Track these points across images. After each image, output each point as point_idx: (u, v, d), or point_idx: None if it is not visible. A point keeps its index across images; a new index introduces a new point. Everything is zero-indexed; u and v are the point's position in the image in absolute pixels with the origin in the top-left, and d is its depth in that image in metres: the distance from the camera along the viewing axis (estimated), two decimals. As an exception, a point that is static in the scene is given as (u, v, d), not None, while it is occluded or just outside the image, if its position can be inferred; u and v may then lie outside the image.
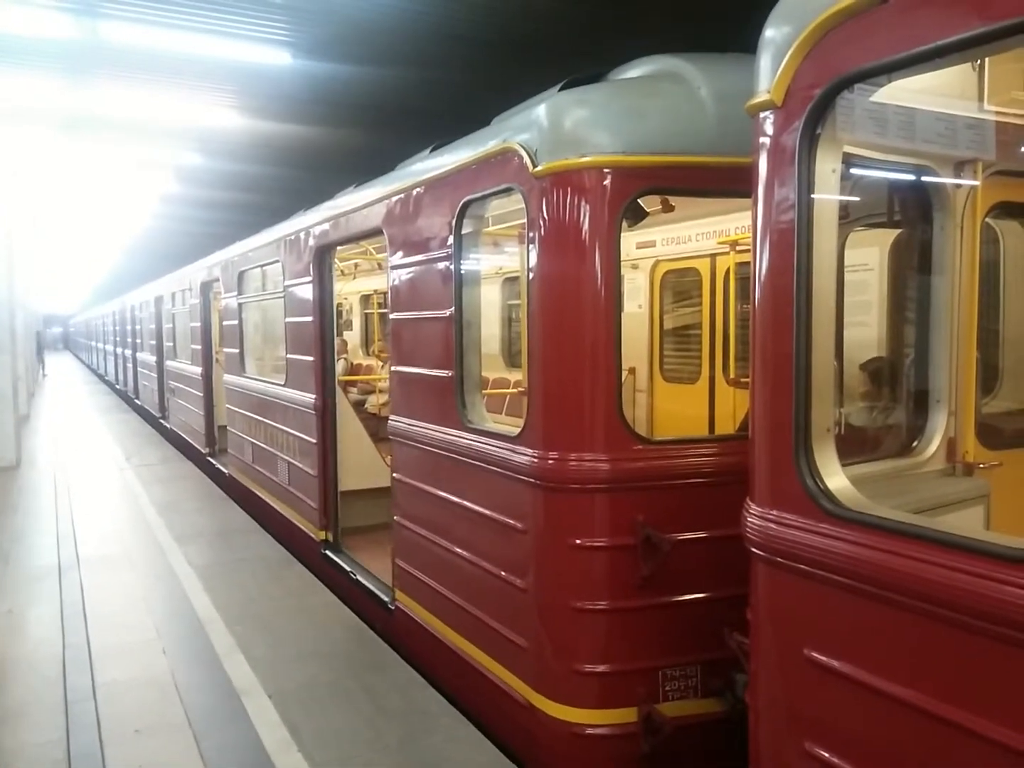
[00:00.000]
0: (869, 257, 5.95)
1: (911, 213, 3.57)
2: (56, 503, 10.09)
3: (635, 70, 4.31)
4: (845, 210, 3.57)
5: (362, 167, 8.72)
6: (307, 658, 5.25)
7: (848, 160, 3.06)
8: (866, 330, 5.58)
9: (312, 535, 7.57)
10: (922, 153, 3.29)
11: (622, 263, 8.39)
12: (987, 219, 3.79)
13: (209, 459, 12.50)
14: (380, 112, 10.58)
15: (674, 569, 3.85)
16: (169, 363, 16.42)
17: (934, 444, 3.46)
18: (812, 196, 2.56)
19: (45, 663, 5.19)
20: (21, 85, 9.44)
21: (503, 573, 4.29)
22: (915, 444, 3.47)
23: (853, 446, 3.61)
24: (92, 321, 45.41)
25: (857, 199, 3.76)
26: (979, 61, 3.14)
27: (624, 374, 8.62)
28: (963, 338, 3.45)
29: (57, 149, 12.56)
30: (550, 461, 3.92)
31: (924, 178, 3.36)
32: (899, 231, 4.07)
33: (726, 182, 3.79)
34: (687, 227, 7.98)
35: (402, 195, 5.45)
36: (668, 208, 5.56)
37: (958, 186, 3.46)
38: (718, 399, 7.93)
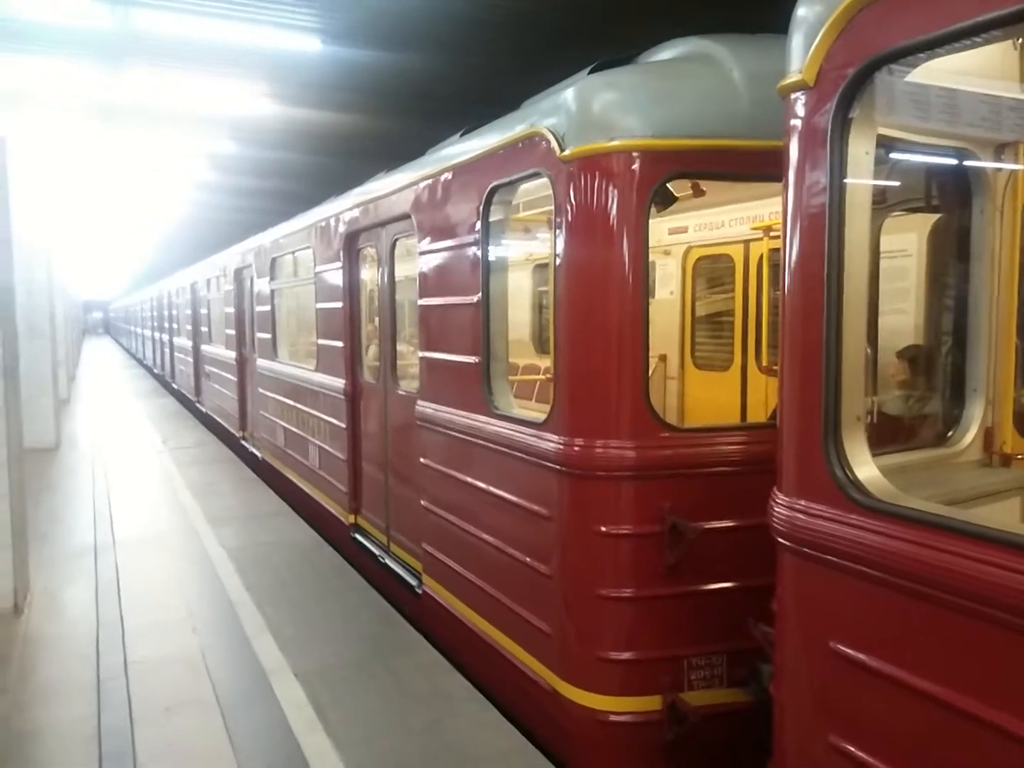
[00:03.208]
0: (907, 243, 5.81)
1: (949, 197, 3.47)
2: (93, 485, 10.28)
3: (666, 52, 4.24)
4: (882, 194, 3.50)
5: (393, 153, 8.71)
6: (335, 640, 5.30)
7: (884, 143, 2.99)
8: (904, 317, 5.47)
9: (342, 519, 7.63)
10: (961, 135, 3.21)
11: (654, 249, 8.31)
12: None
13: (242, 442, 12.65)
14: (411, 98, 10.55)
15: (701, 558, 3.82)
16: (204, 348, 16.63)
17: (970, 434, 3.38)
18: (844, 179, 2.50)
19: (79, 641, 5.29)
20: (58, 73, 9.55)
21: (528, 559, 4.28)
22: (951, 434, 3.39)
23: (888, 435, 3.55)
24: (131, 307, 46.19)
25: (894, 183, 3.68)
26: (1021, 39, 3.05)
27: (655, 361, 8.57)
28: (1002, 325, 3.36)
29: (96, 137, 12.72)
30: (576, 448, 3.90)
31: (963, 161, 3.27)
32: (937, 216, 3.96)
33: (759, 166, 3.72)
34: (720, 212, 7.87)
35: (430, 181, 5.44)
36: (699, 193, 5.47)
37: (999, 170, 3.36)
38: (750, 387, 7.83)
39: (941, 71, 2.78)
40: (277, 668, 4.87)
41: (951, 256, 3.56)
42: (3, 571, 5.65)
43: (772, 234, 6.67)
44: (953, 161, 3.26)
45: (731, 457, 3.88)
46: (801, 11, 2.64)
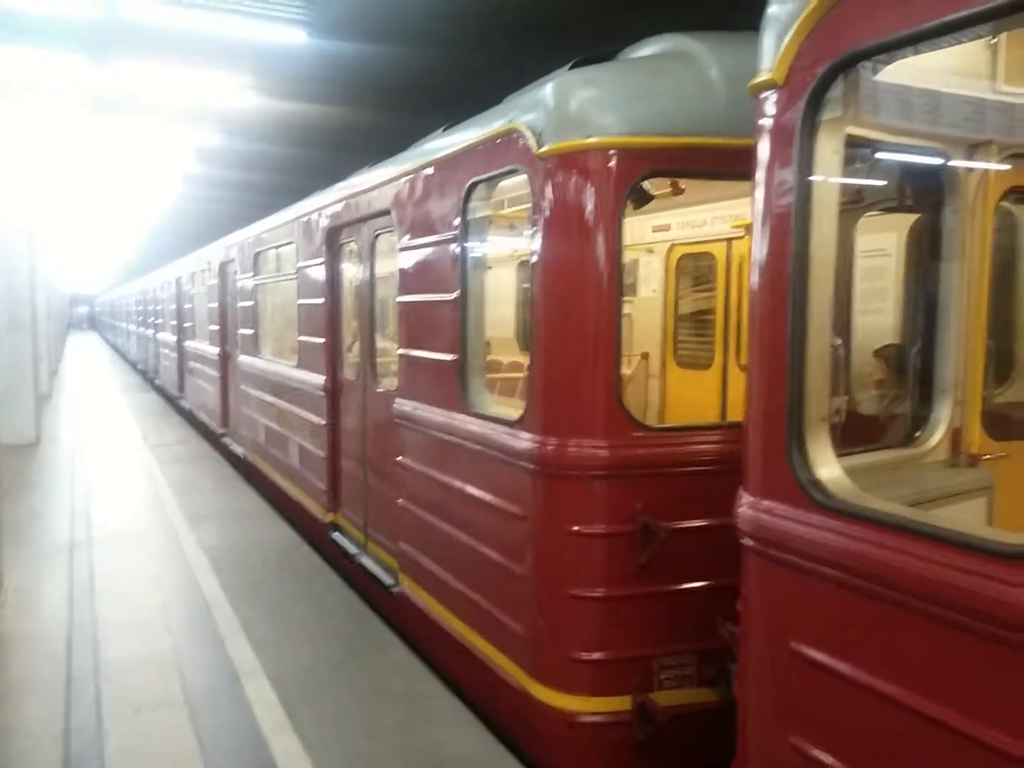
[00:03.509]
0: (887, 242, 5.83)
1: (922, 197, 3.47)
2: (73, 481, 10.20)
3: (646, 49, 4.23)
4: (859, 194, 3.49)
5: (379, 147, 8.67)
6: (310, 640, 5.27)
7: (856, 142, 2.99)
8: (882, 317, 5.48)
9: (321, 517, 7.59)
10: (932, 135, 3.20)
11: (637, 247, 8.29)
12: (1006, 204, 3.69)
13: (224, 439, 12.58)
14: (396, 91, 10.51)
15: (672, 557, 3.81)
16: (188, 343, 16.53)
17: (938, 434, 3.38)
18: (812, 179, 2.49)
19: (50, 640, 5.24)
20: (43, 63, 9.47)
21: (502, 559, 4.26)
22: (918, 434, 3.40)
23: (861, 434, 3.54)
24: (116, 301, 45.89)
25: (870, 182, 3.68)
26: (994, 39, 3.05)
27: (637, 359, 8.57)
28: (972, 327, 3.37)
29: (82, 128, 12.61)
30: (549, 447, 3.88)
31: (935, 161, 3.26)
32: (915, 216, 3.97)
33: (735, 164, 3.67)
34: (702, 211, 7.86)
35: (410, 176, 5.41)
36: (677, 191, 5.46)
37: (970, 170, 3.36)
38: (731, 385, 7.84)
39: (912, 70, 2.77)
40: (250, 669, 4.83)
41: (926, 256, 3.56)
42: (-26, 571, 5.58)
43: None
44: (925, 161, 3.26)
45: (703, 456, 3.88)
46: (772, 9, 2.63)
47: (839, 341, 3.51)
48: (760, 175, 2.67)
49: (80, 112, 11.58)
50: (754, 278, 2.70)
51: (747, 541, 2.70)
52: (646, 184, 4.07)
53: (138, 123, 12.29)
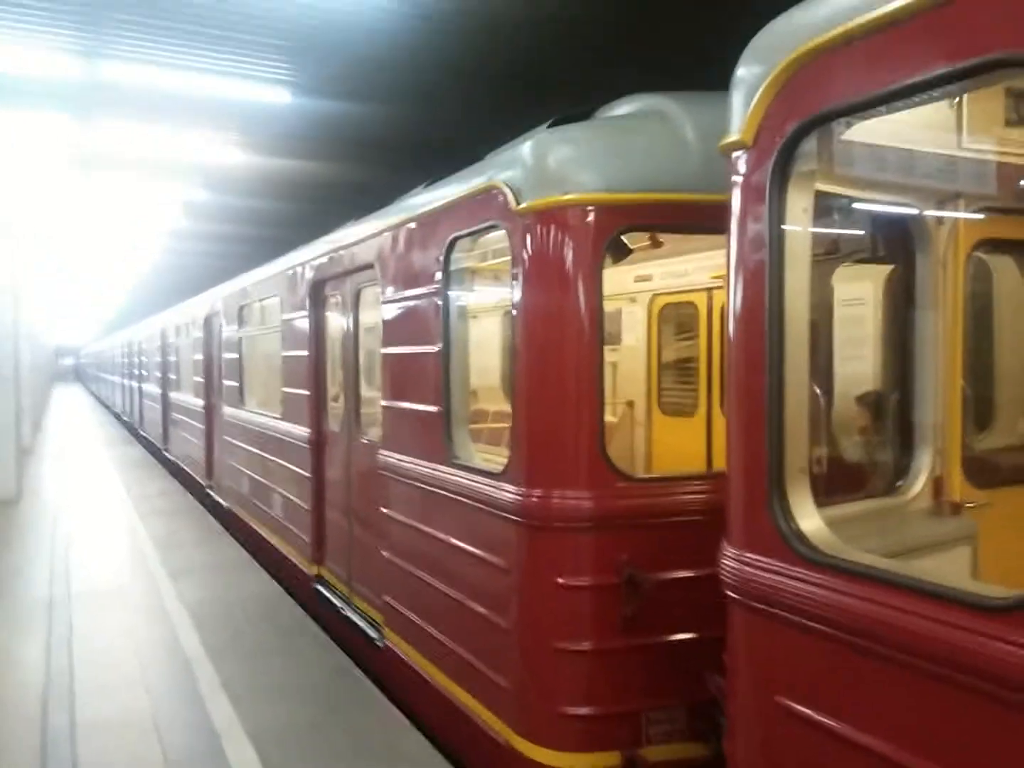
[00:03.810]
0: (863, 291, 5.92)
1: (895, 249, 3.55)
2: (53, 538, 10.06)
3: (622, 107, 4.34)
4: (835, 245, 3.57)
5: (363, 200, 8.79)
6: (291, 698, 5.18)
7: (828, 197, 3.07)
8: (860, 365, 5.55)
9: (305, 570, 7.51)
10: (903, 189, 3.28)
11: (620, 296, 8.37)
12: (979, 254, 3.77)
13: (208, 491, 12.47)
14: (381, 147, 10.70)
15: (659, 609, 3.79)
16: (172, 395, 16.47)
17: (919, 483, 3.41)
18: (783, 236, 2.55)
19: (26, 701, 5.13)
20: (32, 123, 9.59)
21: (487, 612, 4.23)
22: (900, 483, 3.42)
23: (841, 484, 3.56)
24: (101, 353, 45.76)
25: (844, 232, 3.76)
26: (957, 98, 3.14)
27: (623, 408, 8.61)
28: (948, 375, 3.42)
29: (70, 186, 12.73)
30: (533, 498, 3.88)
31: (903, 214, 3.34)
32: (890, 268, 4.05)
33: (710, 219, 3.76)
34: (684, 261, 7.98)
35: (393, 231, 5.47)
36: (656, 244, 5.56)
37: (941, 222, 3.45)
38: (715, 431, 7.87)
39: (879, 128, 2.85)
40: (230, 728, 4.74)
41: (899, 305, 3.63)
42: (-52, 631, 5.46)
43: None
44: (894, 214, 3.34)
45: (688, 507, 3.88)
46: (739, 72, 2.71)
47: (820, 390, 3.56)
48: (734, 231, 2.73)
49: (67, 169, 11.69)
50: (730, 330, 2.74)
51: (731, 594, 2.70)
52: (626, 238, 4.13)
53: (125, 179, 12.42)
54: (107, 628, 6.55)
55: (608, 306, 9.68)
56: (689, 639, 3.86)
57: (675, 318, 8.60)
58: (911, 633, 2.10)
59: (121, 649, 6.06)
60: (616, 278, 8.53)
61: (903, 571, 2.32)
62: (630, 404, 8.67)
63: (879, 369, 4.81)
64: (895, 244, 3.51)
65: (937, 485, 3.45)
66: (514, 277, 4.00)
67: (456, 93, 8.80)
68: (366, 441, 6.26)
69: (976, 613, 1.97)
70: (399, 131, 10.01)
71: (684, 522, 3.87)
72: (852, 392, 4.58)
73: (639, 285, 8.62)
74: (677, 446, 8.27)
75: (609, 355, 9.49)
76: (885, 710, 2.21)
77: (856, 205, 3.26)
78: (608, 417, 8.75)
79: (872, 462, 3.79)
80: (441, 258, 4.69)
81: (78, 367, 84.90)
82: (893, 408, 3.60)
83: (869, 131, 2.81)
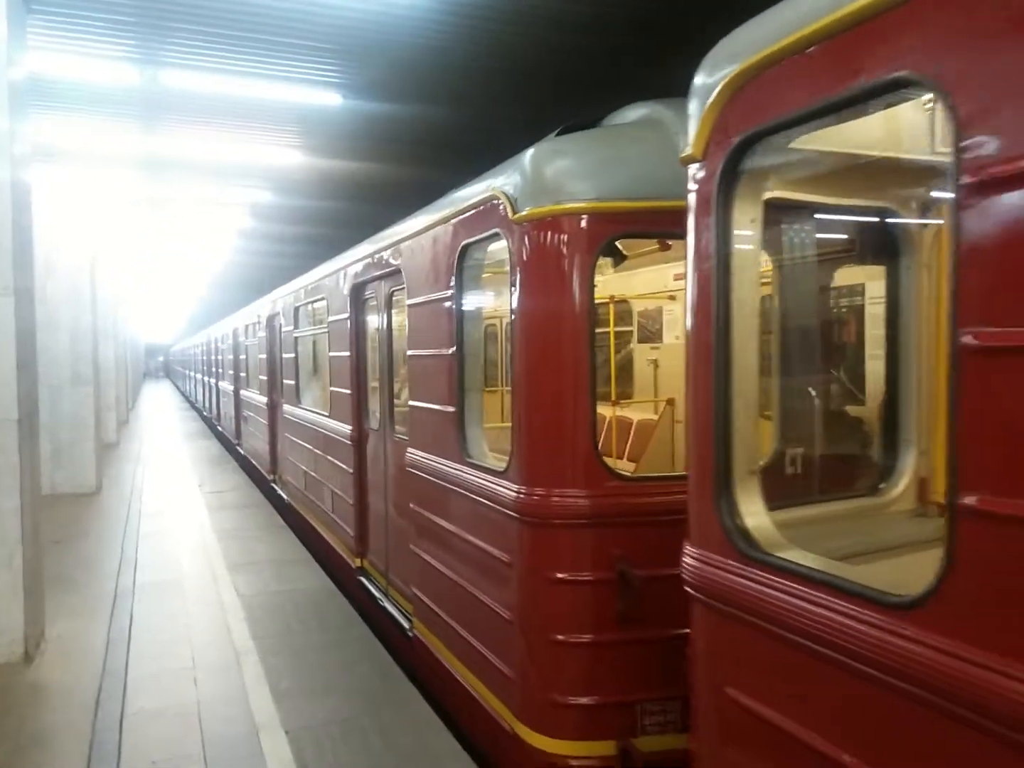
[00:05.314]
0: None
1: (878, 252, 3.57)
2: (125, 529, 10.65)
3: (627, 115, 4.44)
4: (805, 248, 3.61)
5: (416, 198, 9.02)
6: (330, 693, 5.36)
7: (792, 204, 3.14)
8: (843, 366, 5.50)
9: (350, 562, 7.83)
10: (878, 196, 3.32)
11: (661, 295, 8.39)
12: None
13: (272, 485, 13.00)
14: (428, 147, 10.95)
15: (654, 603, 3.90)
16: (243, 392, 17.17)
17: (902, 484, 3.44)
18: (730, 246, 2.64)
19: (83, 690, 5.45)
20: (99, 130, 10.16)
21: (494, 604, 4.41)
22: (882, 485, 3.46)
23: (821, 485, 3.61)
24: (185, 351, 47.76)
25: (833, 236, 3.80)
26: (928, 105, 3.16)
27: (663, 405, 8.65)
28: (933, 378, 3.43)
29: (140, 186, 13.40)
30: (534, 497, 4.04)
31: (881, 219, 3.38)
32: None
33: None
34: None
35: (416, 237, 5.69)
36: (665, 247, 5.64)
37: (925, 226, 3.46)
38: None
39: (834, 136, 2.90)
40: (268, 723, 4.94)
41: (885, 308, 3.65)
42: (15, 619, 5.82)
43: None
44: (870, 220, 3.37)
45: (677, 505, 3.96)
46: (693, 86, 2.81)
47: (800, 395, 3.61)
48: (689, 241, 2.83)
49: (137, 172, 12.32)
50: (687, 337, 2.85)
51: (689, 590, 2.82)
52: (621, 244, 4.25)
53: (195, 182, 13.01)
54: (164, 620, 6.91)
55: (648, 304, 9.70)
56: (683, 633, 3.94)
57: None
58: (832, 629, 2.18)
59: (175, 641, 6.39)
60: (655, 277, 8.59)
61: (840, 571, 2.39)
62: (670, 402, 8.70)
63: (868, 372, 4.77)
64: (878, 247, 3.53)
65: (923, 486, 3.47)
66: (512, 283, 4.16)
67: (502, 94, 8.98)
68: (398, 439, 6.51)
69: (883, 610, 2.05)
70: (448, 131, 10.23)
71: (675, 520, 3.96)
72: (836, 394, 4.57)
73: (679, 283, 8.65)
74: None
75: (650, 353, 9.58)
76: (814, 704, 2.30)
77: (831, 212, 3.31)
78: (649, 415, 8.84)
79: (855, 463, 3.82)
80: (455, 264, 4.88)
81: (167, 364, 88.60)
82: (879, 411, 3.63)
83: (823, 140, 2.87)
